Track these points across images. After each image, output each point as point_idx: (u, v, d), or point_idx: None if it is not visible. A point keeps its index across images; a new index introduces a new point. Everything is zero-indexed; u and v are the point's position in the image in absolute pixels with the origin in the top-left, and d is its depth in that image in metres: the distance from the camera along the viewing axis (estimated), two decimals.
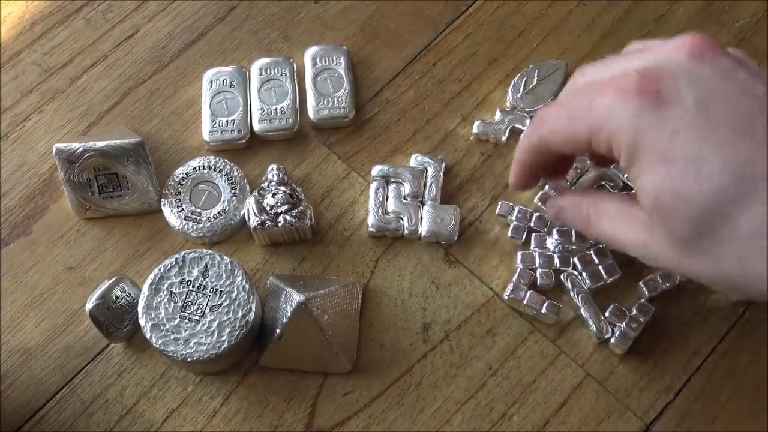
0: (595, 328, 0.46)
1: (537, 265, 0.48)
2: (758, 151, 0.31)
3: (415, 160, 0.51)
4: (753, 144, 0.32)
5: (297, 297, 0.44)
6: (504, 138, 0.52)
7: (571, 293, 0.47)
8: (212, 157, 0.51)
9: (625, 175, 0.49)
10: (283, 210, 0.48)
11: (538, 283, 0.47)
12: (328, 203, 0.51)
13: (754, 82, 0.33)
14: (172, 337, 0.43)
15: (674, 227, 0.34)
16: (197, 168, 0.51)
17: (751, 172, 0.31)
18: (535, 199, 0.50)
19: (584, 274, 0.48)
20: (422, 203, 0.50)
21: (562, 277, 0.48)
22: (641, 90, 0.33)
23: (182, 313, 0.44)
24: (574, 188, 0.49)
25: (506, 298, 0.47)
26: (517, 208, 0.49)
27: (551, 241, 0.48)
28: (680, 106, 0.33)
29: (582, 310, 0.47)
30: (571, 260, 0.48)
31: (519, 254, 0.48)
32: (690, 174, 0.32)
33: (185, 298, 0.44)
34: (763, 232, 0.31)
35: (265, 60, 0.54)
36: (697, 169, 0.32)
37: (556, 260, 0.48)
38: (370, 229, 0.49)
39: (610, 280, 0.47)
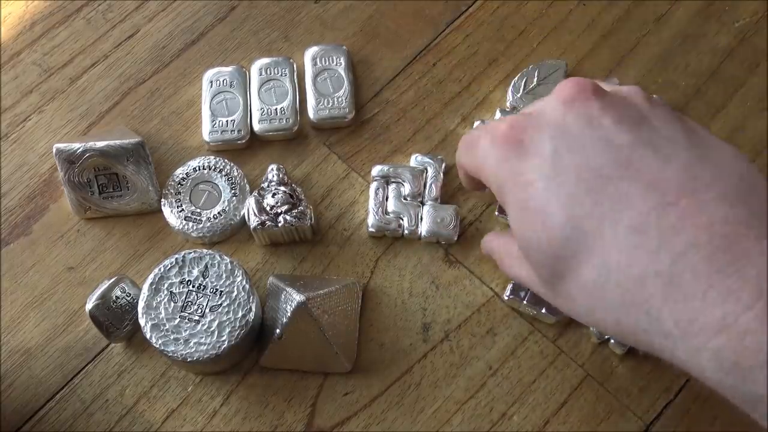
0: (595, 328, 0.46)
1: None
2: (598, 206, 0.32)
3: (415, 160, 0.51)
4: (594, 198, 0.32)
5: (297, 297, 0.44)
6: None
7: None
8: (212, 157, 0.51)
9: None
10: (283, 210, 0.48)
11: None
12: (328, 203, 0.51)
13: (617, 129, 0.33)
14: (172, 337, 0.43)
15: (537, 269, 0.36)
16: (197, 168, 0.51)
17: (589, 227, 0.32)
18: None
19: None
20: (422, 203, 0.50)
21: None
22: (507, 139, 0.35)
23: (182, 313, 0.44)
24: None
25: (506, 298, 0.47)
26: None
27: None
28: (538, 157, 0.34)
29: None
30: None
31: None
32: (539, 223, 0.34)
33: (185, 298, 0.44)
34: (601, 284, 0.32)
35: (265, 60, 0.54)
36: (545, 220, 0.34)
37: None
38: (370, 229, 0.49)
39: None
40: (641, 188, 0.32)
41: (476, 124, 0.52)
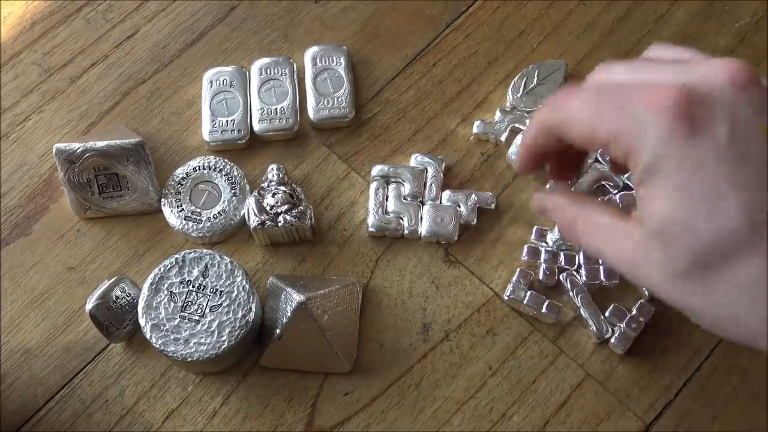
0: (595, 328, 0.46)
1: (541, 260, 0.48)
2: None
3: (415, 160, 0.51)
4: None
5: (297, 297, 0.44)
6: (504, 138, 0.52)
7: (571, 293, 0.47)
8: (212, 157, 0.51)
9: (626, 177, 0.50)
10: (283, 210, 0.48)
11: (540, 277, 0.47)
12: (328, 203, 0.51)
13: None
14: (172, 337, 0.43)
15: (674, 257, 0.33)
16: (197, 168, 0.51)
17: (761, 221, 0.31)
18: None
19: (582, 271, 0.48)
20: (422, 203, 0.50)
21: (561, 277, 0.48)
22: (677, 111, 0.32)
23: (182, 313, 0.44)
24: (573, 188, 0.49)
25: (506, 298, 0.47)
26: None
27: (551, 237, 0.49)
28: (711, 138, 0.32)
29: (582, 310, 0.47)
30: (576, 258, 0.48)
31: (525, 248, 0.48)
32: (704, 209, 0.31)
33: (185, 298, 0.44)
34: (759, 283, 0.31)
35: (265, 60, 0.54)
36: (713, 207, 0.31)
37: (562, 258, 0.48)
38: (370, 229, 0.49)
39: (607, 283, 0.47)
40: None
41: (476, 124, 0.52)
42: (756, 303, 0.31)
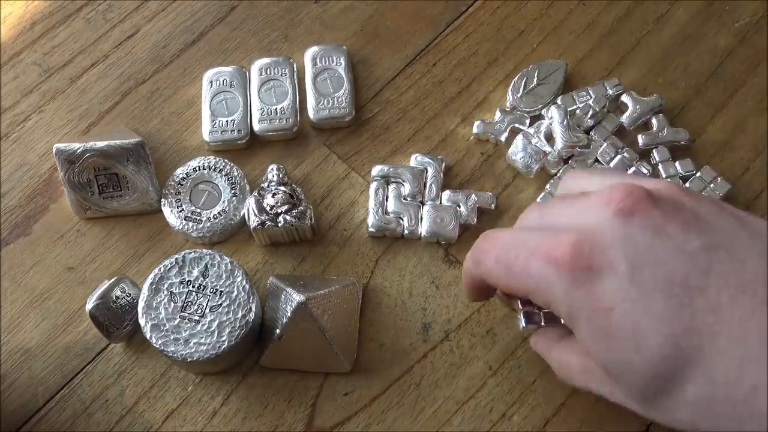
0: None
1: None
2: (696, 319, 0.31)
3: (415, 160, 0.51)
4: (690, 311, 0.31)
5: (297, 297, 0.44)
6: (504, 138, 0.52)
7: None
8: (212, 157, 0.51)
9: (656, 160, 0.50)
10: (283, 210, 0.48)
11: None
12: (328, 203, 0.51)
13: (686, 236, 0.32)
14: (172, 337, 0.43)
15: (627, 389, 0.34)
16: (197, 168, 0.51)
17: (688, 344, 0.31)
18: (538, 199, 0.50)
19: None
20: (422, 203, 0.50)
21: None
22: (574, 265, 0.33)
23: (182, 313, 0.44)
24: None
25: (522, 327, 0.44)
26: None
27: None
28: (613, 278, 0.32)
29: None
30: None
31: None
32: (631, 347, 0.32)
33: (185, 298, 0.44)
34: (708, 400, 0.31)
35: (265, 60, 0.54)
36: (637, 343, 0.32)
37: None
38: (370, 229, 0.49)
39: None
40: (731, 294, 0.31)
41: (476, 124, 0.52)
42: (713, 419, 0.31)
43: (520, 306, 0.41)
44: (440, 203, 0.50)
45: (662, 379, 0.32)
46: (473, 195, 0.50)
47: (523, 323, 0.41)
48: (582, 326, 0.34)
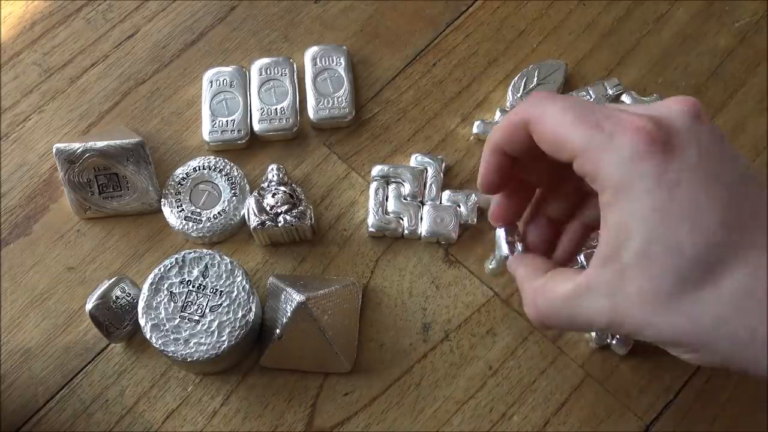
0: (595, 334, 0.46)
1: None
2: (749, 213, 0.32)
3: (415, 160, 0.51)
4: (746, 205, 0.32)
5: (297, 297, 0.44)
6: None
7: None
8: (212, 157, 0.51)
9: None
10: (283, 210, 0.48)
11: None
12: (328, 203, 0.51)
13: (736, 152, 0.34)
14: (172, 337, 0.43)
15: (658, 280, 0.33)
16: (197, 168, 0.51)
17: (741, 235, 0.32)
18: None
19: None
20: (422, 203, 0.50)
21: None
22: (653, 136, 0.33)
23: (182, 313, 0.44)
24: None
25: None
26: None
27: None
28: (684, 160, 0.33)
29: None
30: (578, 259, 0.48)
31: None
32: (686, 225, 0.32)
33: (185, 298, 0.44)
34: (746, 293, 0.31)
35: (265, 60, 0.54)
36: (694, 222, 0.32)
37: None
38: (370, 229, 0.49)
39: None
40: None
41: (476, 124, 0.52)
42: (743, 315, 0.31)
43: (502, 234, 0.41)
44: (440, 203, 0.50)
45: (708, 265, 0.32)
46: (473, 195, 0.50)
47: (504, 251, 0.40)
48: (635, 199, 0.33)
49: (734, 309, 0.31)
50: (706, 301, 0.32)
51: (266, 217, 0.48)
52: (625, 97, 0.52)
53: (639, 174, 0.33)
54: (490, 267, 0.48)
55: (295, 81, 0.54)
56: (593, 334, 0.46)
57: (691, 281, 0.32)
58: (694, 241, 0.32)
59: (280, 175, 0.49)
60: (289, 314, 0.44)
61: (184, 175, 0.51)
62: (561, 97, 0.36)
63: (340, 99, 0.53)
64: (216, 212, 0.50)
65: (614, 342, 0.46)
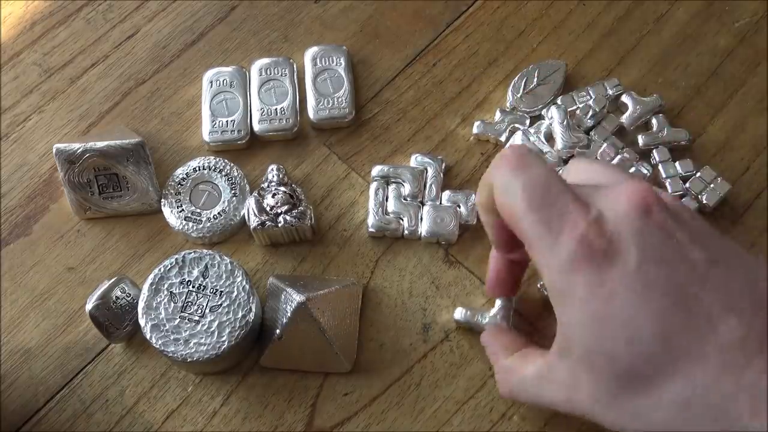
0: None
1: None
2: (687, 323, 0.32)
3: (415, 160, 0.51)
4: (685, 315, 0.32)
5: (297, 297, 0.44)
6: (504, 138, 0.52)
7: None
8: (212, 157, 0.51)
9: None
10: (283, 210, 0.48)
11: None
12: (328, 203, 0.51)
13: (692, 245, 0.33)
14: (172, 338, 0.43)
15: (601, 383, 0.34)
16: (197, 168, 0.51)
17: (678, 344, 0.32)
18: None
19: None
20: (422, 203, 0.50)
21: None
22: (592, 244, 0.33)
23: (182, 314, 0.44)
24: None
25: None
26: None
27: None
28: (622, 268, 0.33)
29: None
30: None
31: None
32: (623, 338, 0.33)
33: (185, 298, 0.44)
34: (684, 402, 0.32)
35: (265, 60, 0.54)
36: (630, 335, 0.32)
37: None
38: (370, 230, 0.49)
39: None
40: (721, 307, 0.32)
41: (476, 124, 0.52)
42: (680, 420, 0.32)
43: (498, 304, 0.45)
44: (440, 203, 0.50)
45: (645, 375, 0.32)
46: (473, 195, 0.50)
47: (497, 315, 0.44)
48: (573, 306, 0.34)
49: (678, 416, 0.32)
50: (649, 407, 0.33)
51: (266, 218, 0.48)
52: (625, 97, 0.52)
53: (575, 283, 0.33)
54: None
55: (295, 81, 0.54)
56: None
57: (632, 388, 0.33)
58: (630, 352, 0.33)
59: (280, 176, 0.49)
60: (289, 314, 0.44)
61: (184, 176, 0.51)
62: (524, 169, 0.35)
63: (340, 99, 0.53)
64: (216, 212, 0.50)
65: None
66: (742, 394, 0.31)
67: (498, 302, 0.47)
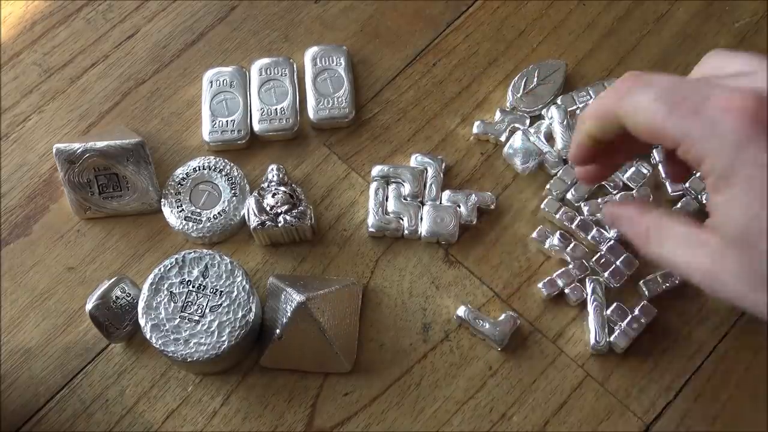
0: (594, 341, 0.46)
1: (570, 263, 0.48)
2: None
3: (415, 160, 0.51)
4: None
5: (297, 297, 0.44)
6: (504, 138, 0.52)
7: (588, 299, 0.47)
8: (212, 157, 0.51)
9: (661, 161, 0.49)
10: (283, 210, 0.48)
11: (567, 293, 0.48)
12: (328, 203, 0.51)
13: None
14: (172, 338, 0.43)
15: (755, 261, 0.32)
16: (197, 168, 0.51)
17: None
18: (542, 206, 0.50)
19: (607, 275, 0.47)
20: (422, 203, 0.50)
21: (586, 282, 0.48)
22: (756, 116, 0.31)
23: (182, 314, 0.44)
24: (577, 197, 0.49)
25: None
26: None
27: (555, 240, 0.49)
28: None
29: (590, 319, 0.46)
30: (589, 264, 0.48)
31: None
32: None
33: (185, 298, 0.44)
34: None
35: (265, 60, 0.54)
36: None
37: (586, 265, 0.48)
38: (370, 229, 0.49)
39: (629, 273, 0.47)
40: None
41: (476, 124, 0.52)
42: None
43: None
44: (440, 203, 0.50)
45: None
46: (473, 195, 0.50)
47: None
48: (739, 183, 0.32)
49: None
50: None
51: (266, 217, 0.48)
52: None
53: (743, 160, 0.32)
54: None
55: (295, 81, 0.54)
56: (592, 339, 0.46)
57: None
58: None
59: (280, 175, 0.49)
60: (289, 314, 0.44)
61: (184, 175, 0.51)
62: (651, 82, 0.34)
63: (340, 99, 0.53)
64: (216, 212, 0.50)
65: (612, 338, 0.46)
66: None
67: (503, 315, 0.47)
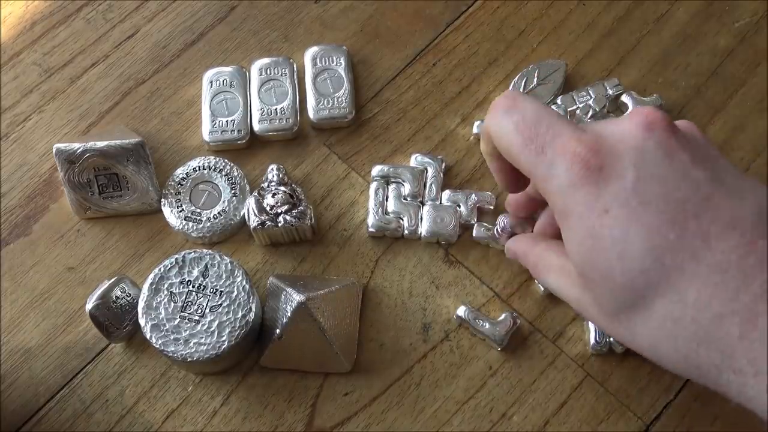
0: (594, 341, 0.46)
1: None
2: (681, 240, 0.32)
3: (415, 160, 0.51)
4: (678, 232, 0.32)
5: (297, 297, 0.44)
6: None
7: None
8: (212, 157, 0.51)
9: None
10: (283, 210, 0.48)
11: None
12: (328, 203, 0.51)
13: (694, 166, 0.33)
14: (172, 337, 0.43)
15: (598, 298, 0.35)
16: (197, 168, 0.51)
17: (671, 261, 0.32)
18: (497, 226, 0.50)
19: None
20: (422, 203, 0.50)
21: None
22: (586, 164, 0.33)
23: (182, 313, 0.44)
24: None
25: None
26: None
27: None
28: (617, 184, 0.33)
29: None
30: None
31: None
32: (615, 253, 0.33)
33: (185, 298, 0.44)
34: (674, 319, 0.32)
35: (265, 60, 0.54)
36: (622, 250, 0.33)
37: None
38: (370, 229, 0.49)
39: None
40: (721, 227, 0.32)
41: (476, 124, 0.52)
42: (669, 337, 0.32)
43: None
44: (440, 203, 0.50)
45: (637, 291, 0.33)
46: (473, 195, 0.50)
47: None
48: (572, 223, 0.34)
49: (666, 335, 0.32)
50: (641, 323, 0.33)
51: (266, 217, 0.48)
52: (625, 97, 0.52)
53: (574, 201, 0.34)
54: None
55: (295, 81, 0.54)
56: (591, 339, 0.46)
57: (625, 303, 0.34)
58: (623, 268, 0.33)
59: (280, 175, 0.49)
60: (289, 314, 0.44)
61: (184, 175, 0.51)
62: (517, 109, 0.37)
63: (340, 99, 0.53)
64: (216, 212, 0.50)
65: (612, 338, 0.46)
66: (734, 316, 0.30)
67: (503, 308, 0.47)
